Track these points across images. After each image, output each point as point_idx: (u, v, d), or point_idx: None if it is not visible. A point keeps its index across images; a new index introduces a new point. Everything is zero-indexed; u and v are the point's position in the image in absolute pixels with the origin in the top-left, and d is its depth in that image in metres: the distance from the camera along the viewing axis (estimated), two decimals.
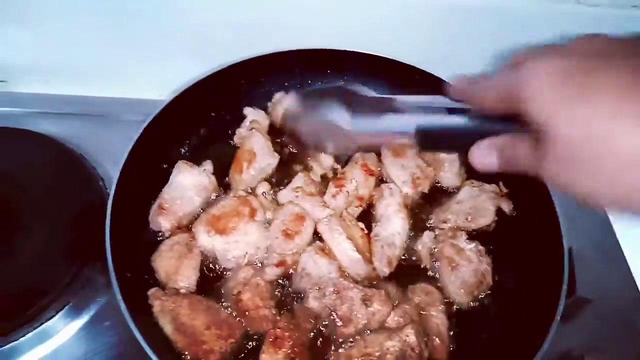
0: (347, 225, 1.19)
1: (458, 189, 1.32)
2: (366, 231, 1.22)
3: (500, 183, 1.31)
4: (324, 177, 1.32)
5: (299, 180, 1.26)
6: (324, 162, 1.33)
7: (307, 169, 1.31)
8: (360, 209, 1.27)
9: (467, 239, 1.21)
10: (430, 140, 0.81)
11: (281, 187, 1.26)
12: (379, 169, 1.32)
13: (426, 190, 1.30)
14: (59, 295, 1.11)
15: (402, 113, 0.82)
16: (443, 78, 1.28)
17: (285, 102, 1.33)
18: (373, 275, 1.16)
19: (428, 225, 1.28)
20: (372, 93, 0.91)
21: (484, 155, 0.71)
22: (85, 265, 1.15)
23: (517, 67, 0.61)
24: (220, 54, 1.31)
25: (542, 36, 0.81)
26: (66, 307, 1.13)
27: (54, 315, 1.11)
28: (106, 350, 1.12)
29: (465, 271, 1.16)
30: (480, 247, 1.21)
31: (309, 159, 1.31)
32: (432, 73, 1.32)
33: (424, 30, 1.44)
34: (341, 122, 0.88)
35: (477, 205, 1.26)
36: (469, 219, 1.25)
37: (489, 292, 1.17)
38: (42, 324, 1.09)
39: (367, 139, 0.91)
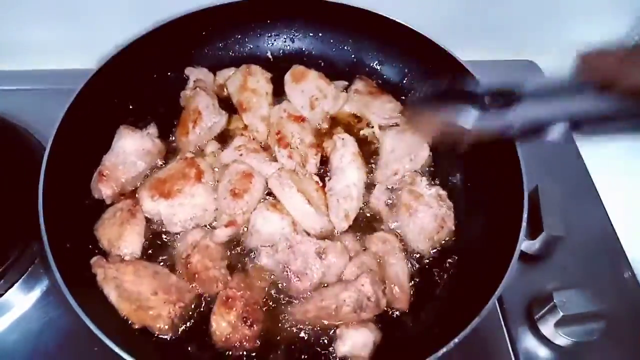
0: (299, 179, 1.14)
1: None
2: (321, 184, 1.17)
3: None
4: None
5: (239, 139, 1.21)
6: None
7: (245, 128, 1.26)
8: (319, 155, 1.22)
9: (428, 184, 1.17)
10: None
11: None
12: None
13: (328, 110, 1.27)
14: (7, 272, 1.09)
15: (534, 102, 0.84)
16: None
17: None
18: (329, 228, 1.12)
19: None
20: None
21: None
22: (33, 239, 1.12)
23: None
24: (159, 12, 1.24)
25: None
26: (17, 283, 1.11)
27: (4, 293, 1.09)
28: (62, 322, 1.10)
29: (423, 217, 1.11)
30: (442, 192, 1.16)
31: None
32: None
33: None
34: (463, 122, 0.91)
35: (408, 143, 1.22)
36: (413, 158, 1.20)
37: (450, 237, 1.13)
38: None
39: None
